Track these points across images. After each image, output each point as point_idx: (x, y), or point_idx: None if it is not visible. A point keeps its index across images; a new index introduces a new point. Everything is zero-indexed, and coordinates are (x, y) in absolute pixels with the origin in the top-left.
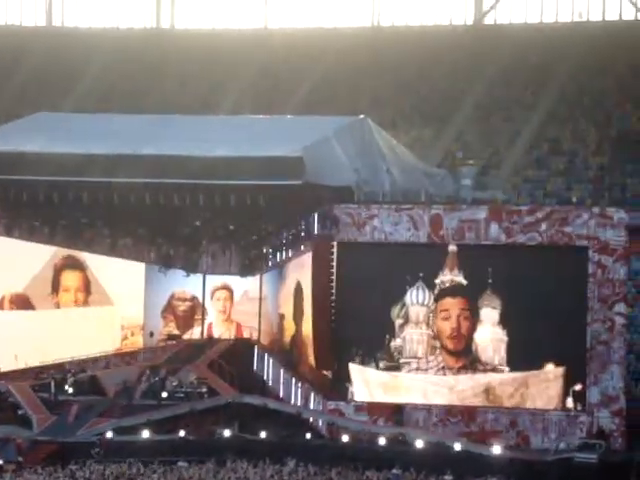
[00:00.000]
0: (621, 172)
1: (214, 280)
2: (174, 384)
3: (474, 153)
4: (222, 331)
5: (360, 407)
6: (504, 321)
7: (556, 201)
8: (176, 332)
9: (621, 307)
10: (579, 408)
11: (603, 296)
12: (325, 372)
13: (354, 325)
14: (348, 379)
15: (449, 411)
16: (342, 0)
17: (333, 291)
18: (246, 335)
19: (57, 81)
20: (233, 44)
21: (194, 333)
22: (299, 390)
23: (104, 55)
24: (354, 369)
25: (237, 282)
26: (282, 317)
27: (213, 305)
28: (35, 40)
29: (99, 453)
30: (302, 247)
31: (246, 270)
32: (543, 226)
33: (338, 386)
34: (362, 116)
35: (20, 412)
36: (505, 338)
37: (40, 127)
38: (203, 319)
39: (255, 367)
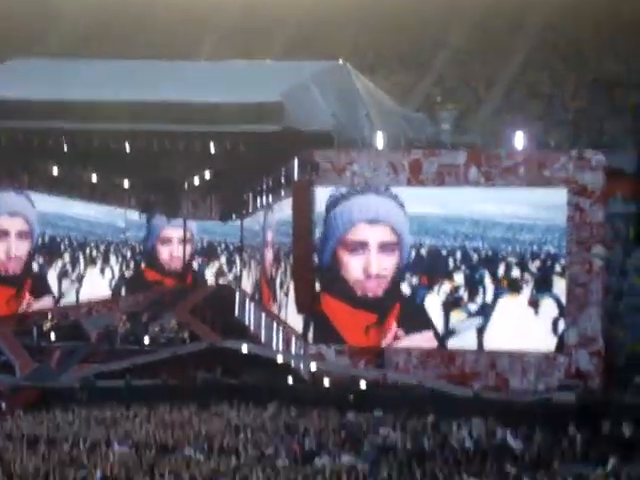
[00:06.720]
0: (599, 115)
1: None
2: (156, 329)
3: (453, 98)
4: None
5: (341, 351)
6: None
7: (534, 144)
8: None
9: (599, 249)
10: None
11: (581, 239)
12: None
13: None
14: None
15: (429, 353)
16: None
17: (313, 236)
18: None
19: (33, 25)
20: None
21: None
22: (280, 334)
23: None
24: None
25: None
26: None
27: None
28: None
29: (83, 397)
30: (282, 193)
31: (226, 216)
32: (522, 169)
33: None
34: (341, 61)
35: (2, 358)
36: None
37: (17, 73)
38: (185, 264)
39: (237, 312)
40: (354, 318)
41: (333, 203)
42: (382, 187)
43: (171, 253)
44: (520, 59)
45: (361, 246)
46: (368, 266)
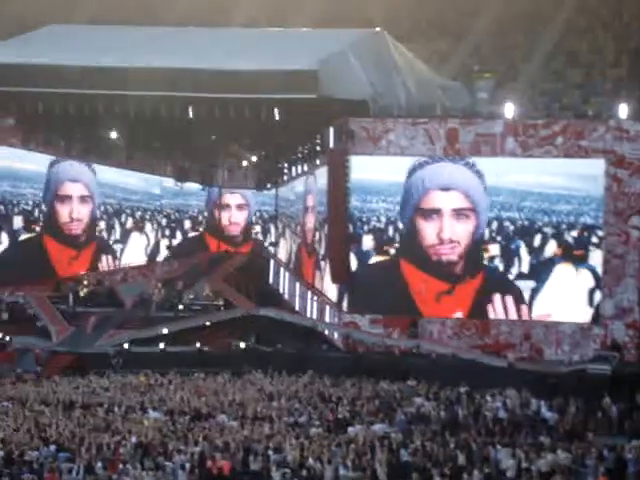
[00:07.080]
0: (639, 84)
1: None
2: (190, 297)
3: (490, 66)
4: None
5: (375, 320)
6: None
7: (572, 114)
8: None
9: (636, 220)
10: None
11: (618, 210)
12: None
13: None
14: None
15: (463, 324)
16: None
17: (348, 205)
18: None
19: None
20: None
21: None
22: (314, 303)
23: None
24: None
25: None
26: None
27: None
28: None
29: (118, 363)
30: (318, 161)
31: (262, 184)
32: (559, 139)
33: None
34: (378, 29)
35: (39, 323)
36: None
37: (52, 39)
38: (242, 231)
39: (271, 280)
40: (428, 285)
41: (410, 172)
42: (458, 156)
43: (229, 219)
44: (559, 27)
45: (435, 212)
46: (441, 231)
